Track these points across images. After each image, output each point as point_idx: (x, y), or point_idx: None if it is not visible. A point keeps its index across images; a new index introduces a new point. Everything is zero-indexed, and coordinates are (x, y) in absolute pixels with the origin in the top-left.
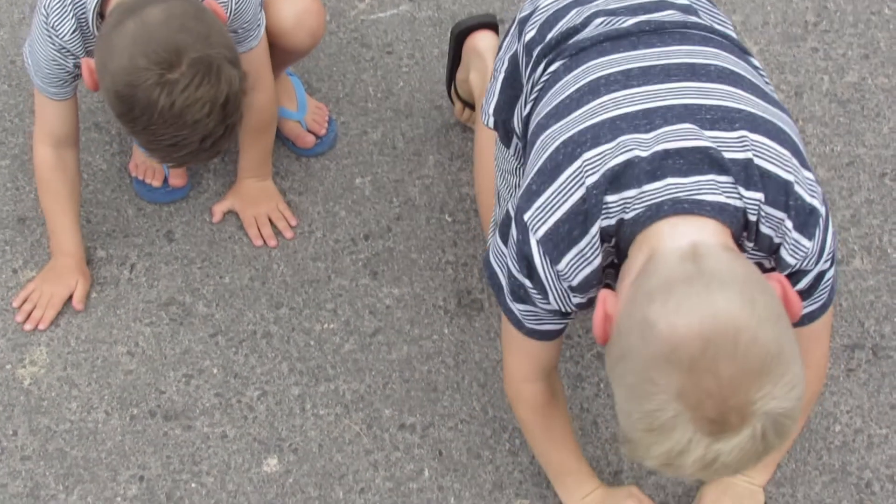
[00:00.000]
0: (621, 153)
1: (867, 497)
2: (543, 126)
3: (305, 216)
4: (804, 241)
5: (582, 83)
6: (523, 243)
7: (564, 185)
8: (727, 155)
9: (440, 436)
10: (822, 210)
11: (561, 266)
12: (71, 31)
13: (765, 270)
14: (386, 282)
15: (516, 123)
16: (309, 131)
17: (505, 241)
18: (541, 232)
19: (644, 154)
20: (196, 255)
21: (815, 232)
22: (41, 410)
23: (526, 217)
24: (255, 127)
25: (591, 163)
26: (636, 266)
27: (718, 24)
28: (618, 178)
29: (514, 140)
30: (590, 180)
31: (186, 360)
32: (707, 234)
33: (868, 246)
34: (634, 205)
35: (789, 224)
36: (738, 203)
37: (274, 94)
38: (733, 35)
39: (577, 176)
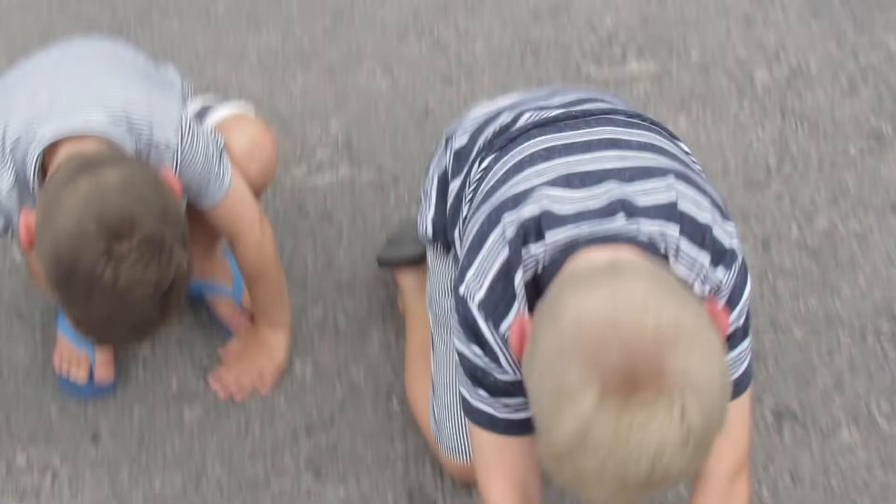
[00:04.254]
0: (537, 204)
1: None
2: (474, 212)
3: (241, 409)
4: (718, 274)
5: (508, 165)
6: (465, 313)
7: (491, 248)
8: (648, 200)
9: None
10: (740, 257)
11: (503, 328)
12: (9, 186)
13: None
14: (330, 480)
15: (456, 235)
16: (244, 311)
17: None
18: (478, 297)
19: (561, 209)
20: (124, 458)
21: (731, 267)
22: None
23: (461, 290)
24: (246, 275)
25: (511, 221)
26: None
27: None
28: (535, 227)
29: (453, 251)
30: (509, 234)
31: None
32: (624, 252)
33: (856, 416)
34: (552, 250)
35: (705, 261)
36: (653, 231)
37: (260, 237)
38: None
39: (500, 236)
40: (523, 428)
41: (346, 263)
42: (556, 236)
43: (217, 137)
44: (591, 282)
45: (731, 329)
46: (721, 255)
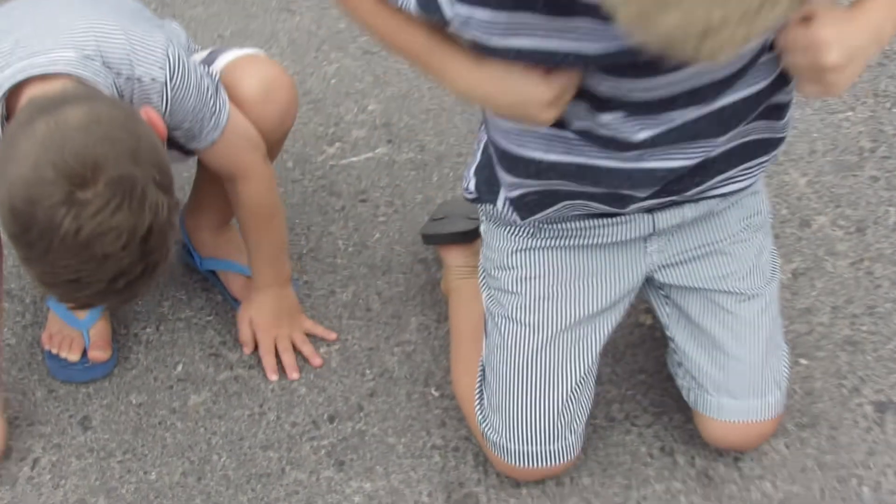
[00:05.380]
0: None
1: None
2: None
3: (256, 395)
4: None
5: None
6: None
7: None
8: None
9: None
10: None
11: None
12: None
13: None
14: (355, 473)
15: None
16: None
17: None
18: None
19: None
20: (116, 446)
21: None
22: None
23: None
24: (253, 223)
25: None
26: None
27: None
28: None
29: (503, 193)
30: None
31: None
32: None
33: None
34: None
35: None
36: None
37: (266, 177)
38: None
39: None
40: None
41: (381, 244)
42: None
43: (212, 71)
44: None
45: None
46: None
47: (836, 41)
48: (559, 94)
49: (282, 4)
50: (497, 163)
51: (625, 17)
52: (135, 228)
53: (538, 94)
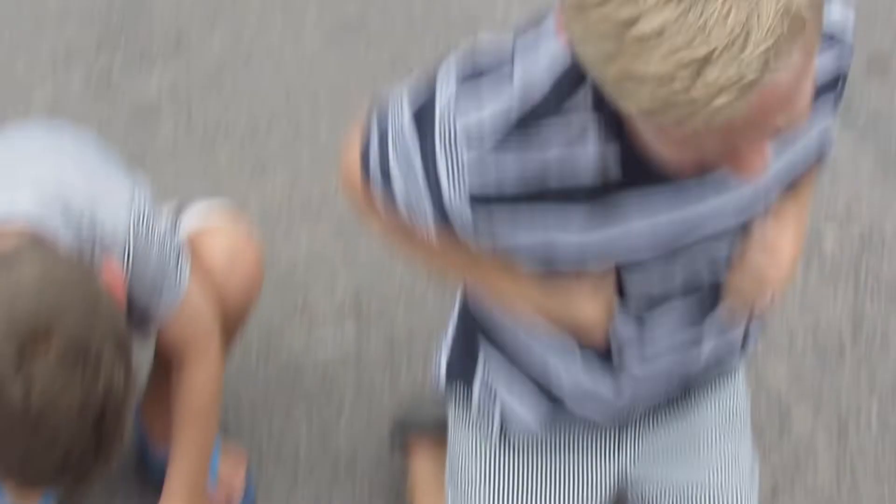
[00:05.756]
0: None
1: None
2: None
3: None
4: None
5: None
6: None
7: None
8: None
9: None
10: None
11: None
12: None
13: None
14: None
15: None
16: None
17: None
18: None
19: None
20: None
21: None
22: None
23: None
24: (190, 415)
25: None
26: None
27: None
28: None
29: (478, 390)
30: None
31: None
32: None
33: None
34: None
35: None
36: None
37: (217, 362)
38: None
39: None
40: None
41: (346, 442)
42: None
43: (176, 234)
44: None
45: None
46: None
47: (786, 281)
48: (607, 311)
49: (255, 169)
50: (483, 337)
51: (613, 75)
52: (88, 395)
53: (586, 315)
